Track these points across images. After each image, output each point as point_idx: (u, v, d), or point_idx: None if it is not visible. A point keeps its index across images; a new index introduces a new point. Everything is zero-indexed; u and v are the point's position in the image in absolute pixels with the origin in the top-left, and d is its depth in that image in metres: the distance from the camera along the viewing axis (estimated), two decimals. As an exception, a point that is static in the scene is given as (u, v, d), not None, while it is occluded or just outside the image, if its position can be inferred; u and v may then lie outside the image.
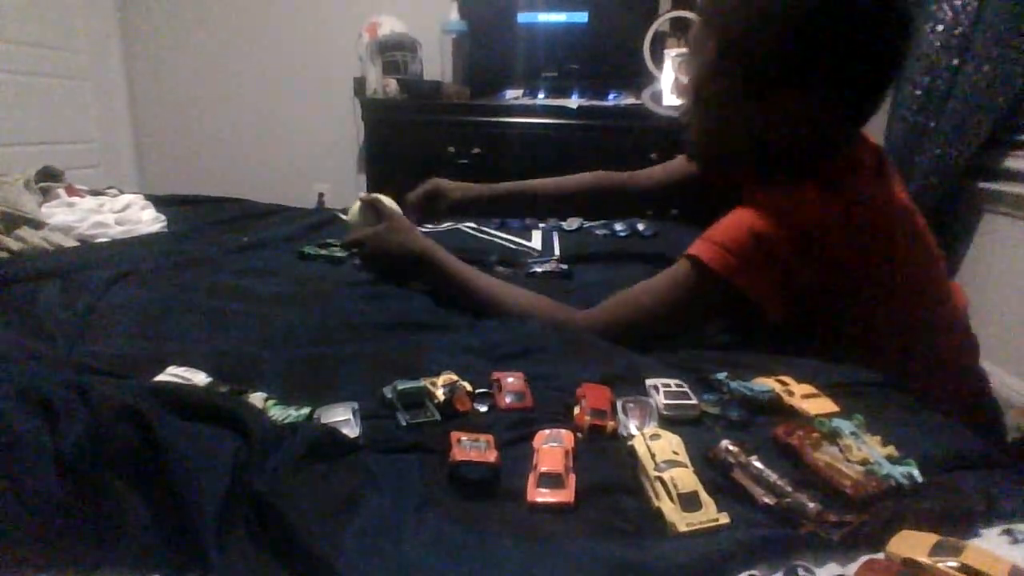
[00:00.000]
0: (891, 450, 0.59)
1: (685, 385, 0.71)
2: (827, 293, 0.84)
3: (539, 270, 1.24)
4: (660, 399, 0.68)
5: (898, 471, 0.55)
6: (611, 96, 2.31)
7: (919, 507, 0.52)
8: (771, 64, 0.83)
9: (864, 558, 0.49)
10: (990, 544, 0.50)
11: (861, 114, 0.88)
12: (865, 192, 0.85)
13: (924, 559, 0.46)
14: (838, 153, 0.88)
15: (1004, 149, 1.90)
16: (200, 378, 0.71)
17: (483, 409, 0.70)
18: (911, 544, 0.48)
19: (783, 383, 0.71)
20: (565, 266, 1.27)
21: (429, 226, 1.67)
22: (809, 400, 0.68)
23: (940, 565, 0.45)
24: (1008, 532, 0.52)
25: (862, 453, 0.57)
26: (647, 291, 0.90)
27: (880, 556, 0.49)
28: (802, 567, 0.48)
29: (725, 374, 0.73)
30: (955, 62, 1.85)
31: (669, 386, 0.70)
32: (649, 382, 0.72)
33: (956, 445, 0.64)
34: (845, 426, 0.61)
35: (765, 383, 0.71)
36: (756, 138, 0.90)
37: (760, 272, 0.82)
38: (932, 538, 0.48)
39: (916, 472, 0.56)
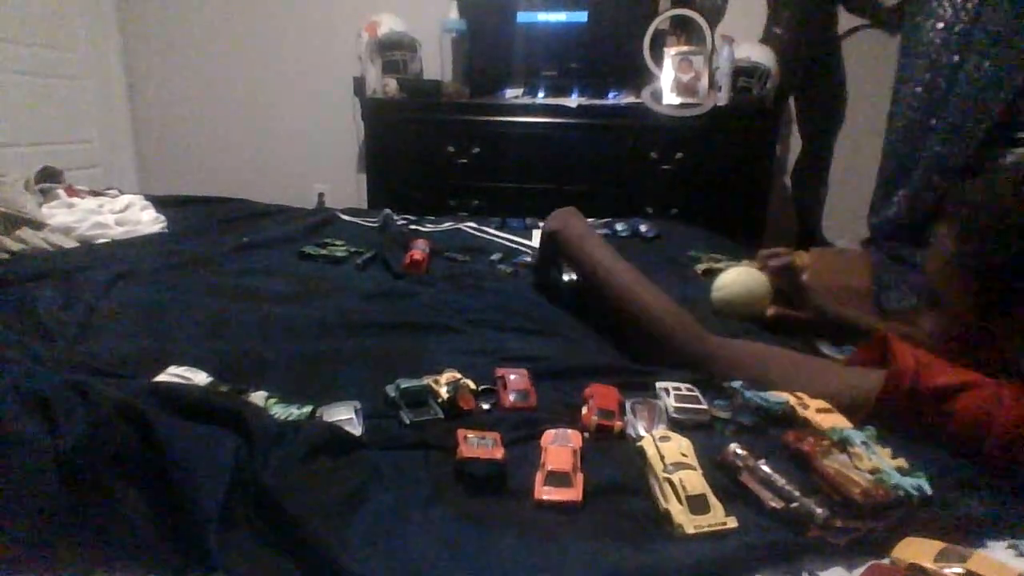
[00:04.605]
0: (901, 462, 0.58)
1: (696, 389, 0.71)
2: None
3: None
4: (670, 402, 0.68)
5: (907, 482, 0.55)
6: (611, 95, 2.30)
7: (926, 516, 0.52)
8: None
9: (869, 563, 0.48)
10: (996, 557, 0.49)
11: None
12: None
13: (929, 565, 0.46)
14: None
15: (1004, 147, 1.89)
16: (201, 378, 0.71)
17: (486, 407, 0.69)
18: (916, 550, 0.48)
19: (798, 397, 0.70)
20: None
21: (430, 225, 1.67)
22: (823, 414, 0.67)
23: (945, 571, 0.45)
24: (1014, 547, 0.51)
25: (872, 462, 0.57)
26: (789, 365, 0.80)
27: (885, 562, 0.48)
28: (808, 572, 0.48)
29: (740, 383, 0.71)
30: (955, 59, 1.85)
31: (680, 389, 0.70)
32: (659, 385, 0.72)
33: (966, 464, 0.62)
34: (856, 436, 0.60)
35: (780, 395, 0.70)
36: None
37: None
38: (938, 545, 0.48)
39: (925, 484, 0.55)
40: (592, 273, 0.99)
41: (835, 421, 0.66)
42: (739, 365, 0.79)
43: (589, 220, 1.72)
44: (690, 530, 0.50)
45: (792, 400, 0.69)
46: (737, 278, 1.03)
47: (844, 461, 0.57)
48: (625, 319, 0.91)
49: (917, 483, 0.55)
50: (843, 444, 0.60)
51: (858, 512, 0.52)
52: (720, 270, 1.31)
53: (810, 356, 0.82)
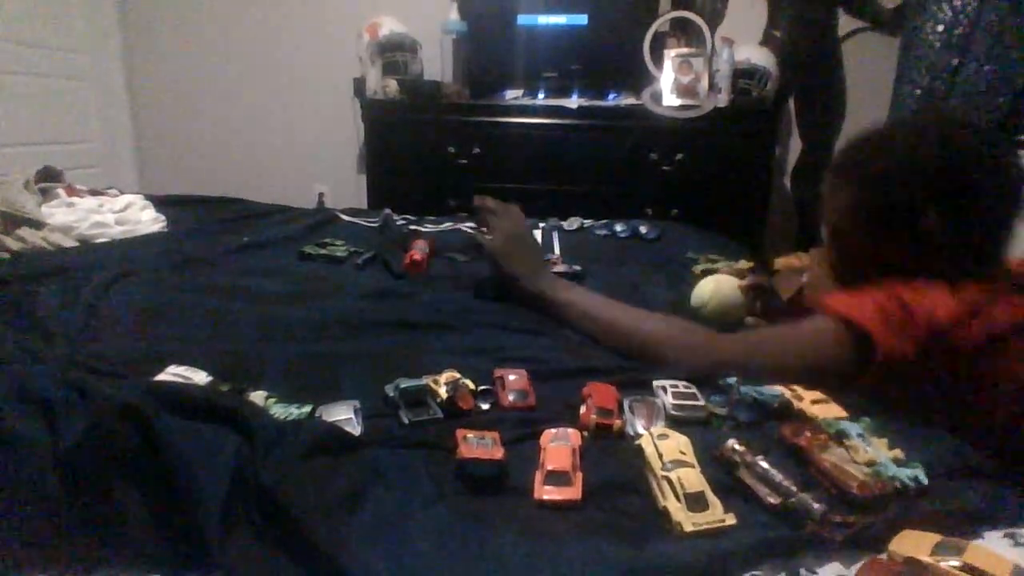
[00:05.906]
0: (897, 453, 0.59)
1: (693, 387, 0.71)
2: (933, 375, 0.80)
3: (553, 271, 1.23)
4: (668, 399, 0.68)
5: (904, 473, 0.55)
6: (611, 96, 2.31)
7: (923, 508, 0.52)
8: (899, 209, 0.84)
9: (867, 559, 0.48)
10: (993, 546, 0.49)
11: (984, 253, 0.86)
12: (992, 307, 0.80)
13: (926, 558, 0.46)
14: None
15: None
16: (200, 377, 0.71)
17: (485, 407, 0.70)
18: (913, 543, 0.48)
19: (792, 389, 0.71)
20: (578, 267, 1.26)
21: (430, 225, 1.67)
22: (818, 405, 0.68)
23: (942, 564, 0.45)
24: (1011, 536, 0.52)
25: (868, 455, 0.57)
26: (787, 343, 0.85)
27: (882, 557, 0.49)
28: (805, 569, 0.48)
29: (735, 379, 0.72)
30: (955, 62, 1.85)
31: (677, 387, 0.70)
32: (656, 383, 0.72)
33: (961, 453, 0.63)
34: (852, 428, 0.61)
35: (775, 388, 0.70)
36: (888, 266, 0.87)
37: (902, 337, 0.77)
38: (934, 538, 0.48)
39: (922, 474, 0.56)
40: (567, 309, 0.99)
41: (830, 411, 0.66)
42: (744, 360, 0.81)
43: (588, 221, 1.73)
44: (689, 528, 0.50)
45: (787, 393, 0.70)
46: (712, 298, 1.06)
47: (841, 455, 0.58)
48: (624, 350, 0.90)
49: (914, 474, 0.56)
50: (839, 437, 0.60)
51: (856, 506, 0.52)
52: (716, 272, 1.32)
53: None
